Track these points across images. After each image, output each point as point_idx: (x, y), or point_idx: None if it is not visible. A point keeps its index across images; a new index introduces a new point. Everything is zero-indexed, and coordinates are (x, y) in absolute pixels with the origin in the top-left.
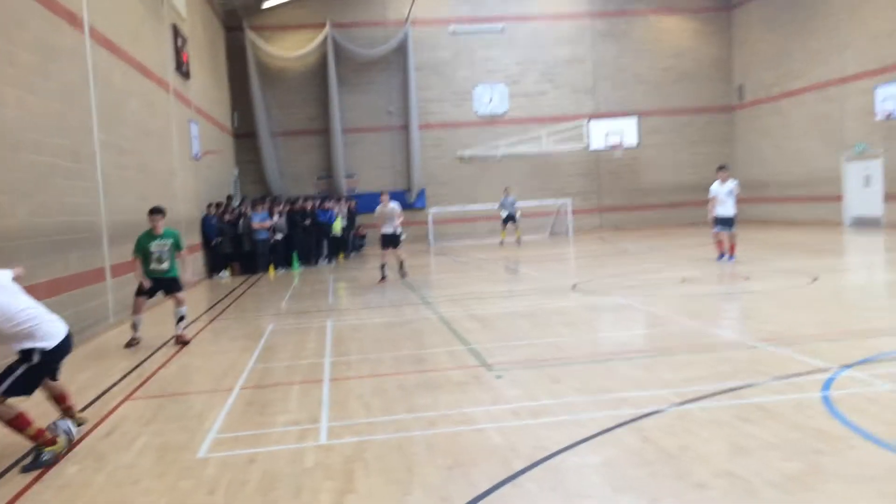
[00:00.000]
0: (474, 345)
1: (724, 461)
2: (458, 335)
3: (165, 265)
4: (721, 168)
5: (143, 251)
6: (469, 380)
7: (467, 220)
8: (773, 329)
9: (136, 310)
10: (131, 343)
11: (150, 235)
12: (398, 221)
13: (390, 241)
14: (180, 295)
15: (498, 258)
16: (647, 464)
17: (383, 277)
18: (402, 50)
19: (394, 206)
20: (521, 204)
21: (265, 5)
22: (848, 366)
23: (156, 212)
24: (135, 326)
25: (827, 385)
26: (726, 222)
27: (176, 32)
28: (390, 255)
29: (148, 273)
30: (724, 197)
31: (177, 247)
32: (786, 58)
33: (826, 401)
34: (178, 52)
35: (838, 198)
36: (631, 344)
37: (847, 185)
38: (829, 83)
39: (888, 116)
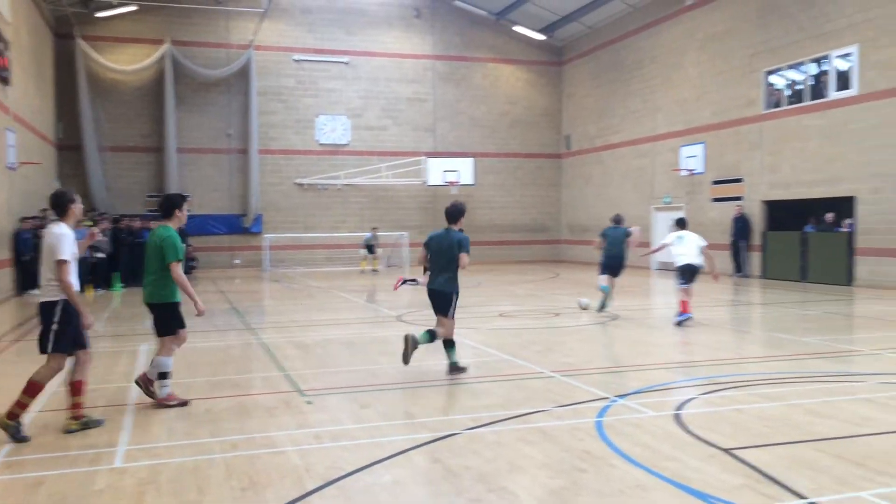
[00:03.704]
0: (290, 371)
1: (500, 479)
2: (277, 361)
3: None
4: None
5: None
6: (279, 405)
7: (304, 248)
8: (570, 361)
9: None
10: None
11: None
12: None
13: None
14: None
15: (331, 286)
16: (432, 482)
17: None
18: (244, 74)
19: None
20: (357, 235)
21: (99, 15)
22: (623, 395)
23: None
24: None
25: (602, 412)
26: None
27: None
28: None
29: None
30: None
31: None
32: (608, 113)
33: (598, 426)
34: None
35: (648, 244)
36: (440, 373)
37: (655, 233)
38: (643, 140)
39: (691, 173)
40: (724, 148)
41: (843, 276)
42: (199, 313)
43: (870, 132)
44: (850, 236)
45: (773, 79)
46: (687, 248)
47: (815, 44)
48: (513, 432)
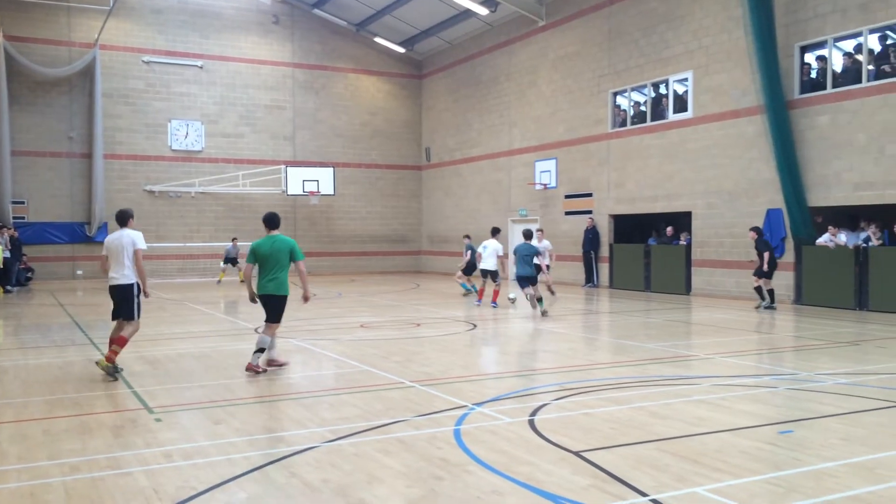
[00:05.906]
0: (138, 388)
1: (358, 490)
2: (123, 378)
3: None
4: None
5: None
6: (125, 423)
7: (155, 258)
8: (429, 371)
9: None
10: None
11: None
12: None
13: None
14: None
15: (184, 298)
16: (289, 497)
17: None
18: (88, 73)
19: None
20: (211, 245)
21: None
22: (480, 403)
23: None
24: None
25: (460, 420)
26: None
27: None
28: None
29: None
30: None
31: None
32: (466, 127)
33: (456, 434)
34: None
35: (505, 255)
36: (299, 385)
37: (512, 245)
38: (499, 154)
39: (545, 187)
40: (575, 164)
41: (682, 285)
42: (307, 300)
43: (703, 152)
44: (687, 249)
45: (619, 99)
46: (487, 254)
47: (656, 68)
48: (372, 443)
